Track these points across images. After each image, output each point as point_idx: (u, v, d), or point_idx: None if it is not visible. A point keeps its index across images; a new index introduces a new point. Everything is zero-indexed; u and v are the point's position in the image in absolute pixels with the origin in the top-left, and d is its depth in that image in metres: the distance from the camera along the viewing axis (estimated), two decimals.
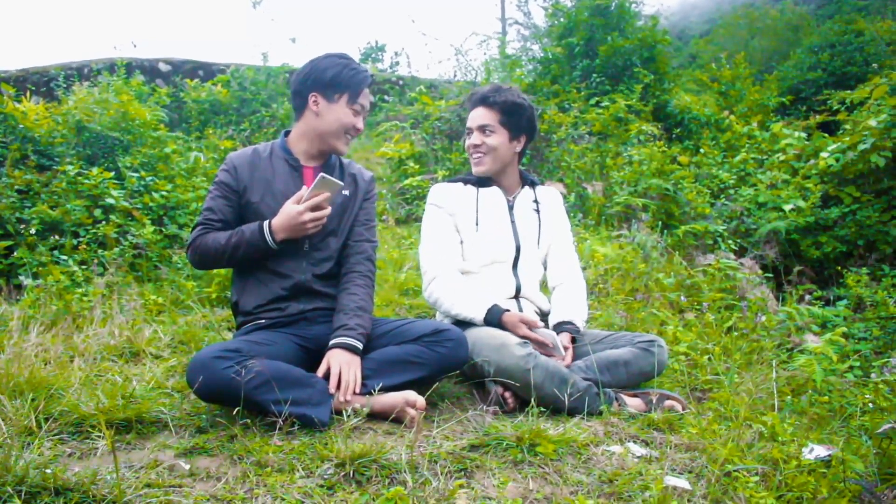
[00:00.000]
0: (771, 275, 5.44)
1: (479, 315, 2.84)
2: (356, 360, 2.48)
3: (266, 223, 2.59)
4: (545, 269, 3.26)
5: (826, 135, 7.73)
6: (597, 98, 9.65)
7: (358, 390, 2.40)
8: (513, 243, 3.09)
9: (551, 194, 3.30)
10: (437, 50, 62.02)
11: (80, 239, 4.89)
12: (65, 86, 8.64)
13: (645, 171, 6.53)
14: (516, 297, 3.07)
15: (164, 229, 5.36)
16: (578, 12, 11.34)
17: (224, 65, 10.66)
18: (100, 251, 4.76)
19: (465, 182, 3.18)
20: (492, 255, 3.04)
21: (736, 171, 7.66)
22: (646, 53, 10.45)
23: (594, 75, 10.41)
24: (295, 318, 2.67)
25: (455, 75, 15.12)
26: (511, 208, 3.15)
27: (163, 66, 10.52)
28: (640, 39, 10.47)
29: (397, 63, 13.55)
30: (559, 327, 2.98)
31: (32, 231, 4.74)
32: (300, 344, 2.61)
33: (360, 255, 2.80)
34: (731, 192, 7.14)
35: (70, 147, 6.11)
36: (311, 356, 2.60)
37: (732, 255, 5.67)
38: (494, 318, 2.82)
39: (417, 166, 8.23)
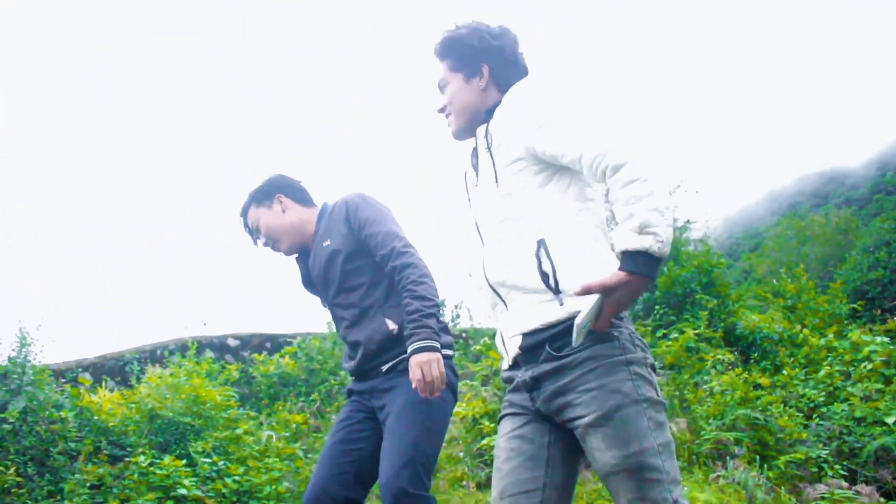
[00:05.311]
0: (894, 501, 4.91)
1: None
2: (433, 356, 2.52)
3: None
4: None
5: None
6: (663, 330, 9.52)
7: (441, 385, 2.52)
8: (471, 213, 2.35)
9: (510, 105, 2.24)
10: None
11: None
12: (139, 369, 8.89)
13: (729, 401, 6.22)
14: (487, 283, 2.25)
15: None
16: None
17: (290, 335, 10.92)
18: None
19: None
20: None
21: (822, 386, 7.27)
22: (704, 279, 10.43)
23: (657, 307, 10.36)
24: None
25: None
26: (475, 165, 2.33)
27: (231, 342, 10.83)
28: (696, 266, 10.51)
29: (458, 316, 13.60)
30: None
31: None
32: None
33: (386, 263, 2.81)
34: (824, 410, 6.71)
35: (143, 436, 6.12)
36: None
37: (844, 483, 5.20)
38: None
39: (493, 424, 7.86)
